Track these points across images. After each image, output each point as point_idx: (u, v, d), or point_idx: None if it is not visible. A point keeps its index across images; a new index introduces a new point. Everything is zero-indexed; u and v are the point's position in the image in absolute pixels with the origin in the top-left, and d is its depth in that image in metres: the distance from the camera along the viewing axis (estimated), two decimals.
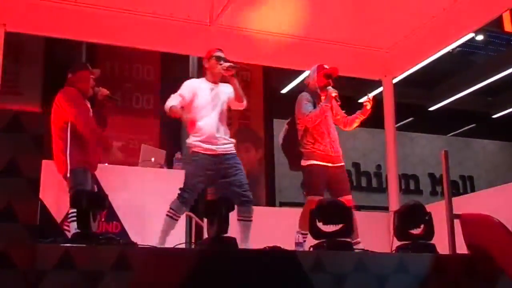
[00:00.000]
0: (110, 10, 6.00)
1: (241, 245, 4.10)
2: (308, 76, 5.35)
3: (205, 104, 4.62)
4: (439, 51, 6.90)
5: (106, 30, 6.01)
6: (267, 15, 6.26)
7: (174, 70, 10.66)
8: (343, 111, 5.29)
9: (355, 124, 5.20)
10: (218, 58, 4.67)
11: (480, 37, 11.33)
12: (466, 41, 9.78)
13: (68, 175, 4.46)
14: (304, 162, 5.05)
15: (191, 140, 4.58)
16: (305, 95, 5.15)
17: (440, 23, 6.25)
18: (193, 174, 4.51)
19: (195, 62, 10.73)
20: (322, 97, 5.09)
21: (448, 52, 9.56)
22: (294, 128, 5.18)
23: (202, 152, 4.51)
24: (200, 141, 4.53)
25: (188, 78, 10.87)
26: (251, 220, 4.48)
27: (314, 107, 5.07)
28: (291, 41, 6.57)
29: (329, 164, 5.02)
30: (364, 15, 6.28)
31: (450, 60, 11.71)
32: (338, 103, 5.14)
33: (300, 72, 11.23)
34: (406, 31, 6.63)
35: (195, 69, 10.86)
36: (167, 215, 4.46)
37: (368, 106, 5.07)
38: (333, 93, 5.02)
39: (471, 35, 9.01)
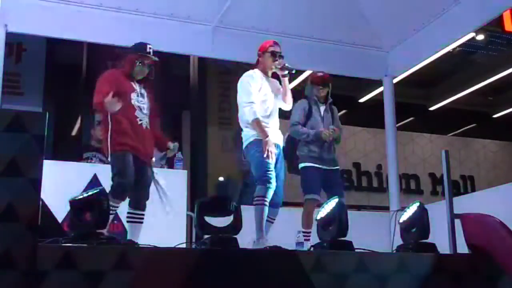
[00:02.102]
0: (111, 11, 6.02)
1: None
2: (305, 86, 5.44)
3: (268, 94, 4.58)
4: (439, 50, 6.91)
5: (107, 30, 6.02)
6: (268, 15, 6.27)
7: (174, 70, 10.67)
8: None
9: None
10: (273, 54, 4.61)
11: (480, 37, 11.31)
12: (467, 41, 9.77)
13: (109, 159, 4.30)
14: (300, 165, 5.12)
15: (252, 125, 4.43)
16: (301, 103, 5.24)
17: (441, 23, 6.25)
18: (268, 150, 4.34)
19: (196, 62, 10.75)
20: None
21: (449, 52, 9.56)
22: None
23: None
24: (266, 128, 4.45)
25: (188, 77, 11.05)
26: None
27: (310, 112, 5.16)
28: (292, 41, 6.57)
29: (324, 167, 5.09)
30: (365, 15, 6.28)
31: (451, 60, 11.70)
32: None
33: (300, 72, 11.27)
34: (407, 30, 6.63)
35: (195, 69, 10.88)
36: (256, 204, 4.26)
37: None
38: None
39: (472, 34, 9.01)
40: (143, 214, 4.39)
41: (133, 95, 4.43)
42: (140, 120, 4.41)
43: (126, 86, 4.44)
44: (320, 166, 5.07)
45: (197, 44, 6.44)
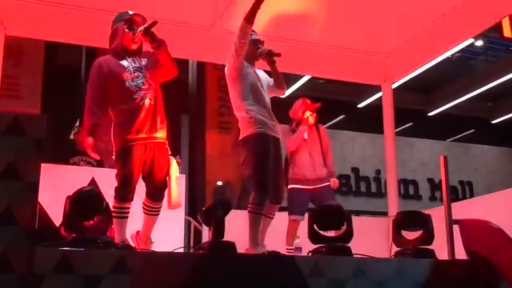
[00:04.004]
0: (110, 14, 6.00)
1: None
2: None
3: (256, 86, 4.24)
4: (438, 56, 6.92)
5: (106, 34, 6.00)
6: (267, 19, 6.26)
7: None
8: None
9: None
10: (255, 42, 4.33)
11: (479, 43, 11.37)
12: (466, 47, 9.83)
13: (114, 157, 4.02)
14: (287, 187, 5.19)
15: (252, 116, 4.09)
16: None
17: (440, 29, 6.26)
18: (266, 152, 4.01)
19: (195, 65, 10.77)
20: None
21: (448, 58, 9.58)
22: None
23: (268, 133, 4.06)
24: (263, 118, 4.10)
25: (187, 81, 11.04)
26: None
27: None
28: (291, 46, 6.57)
29: (309, 187, 5.24)
30: (363, 20, 6.28)
31: (450, 66, 11.73)
32: None
33: (300, 77, 11.30)
34: (406, 36, 6.64)
35: (194, 72, 10.90)
36: (253, 212, 3.95)
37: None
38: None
39: (471, 40, 9.04)
40: (158, 208, 4.11)
41: (126, 76, 4.06)
42: (142, 99, 4.05)
43: (115, 71, 4.07)
44: (305, 187, 5.22)
45: (196, 48, 6.44)
